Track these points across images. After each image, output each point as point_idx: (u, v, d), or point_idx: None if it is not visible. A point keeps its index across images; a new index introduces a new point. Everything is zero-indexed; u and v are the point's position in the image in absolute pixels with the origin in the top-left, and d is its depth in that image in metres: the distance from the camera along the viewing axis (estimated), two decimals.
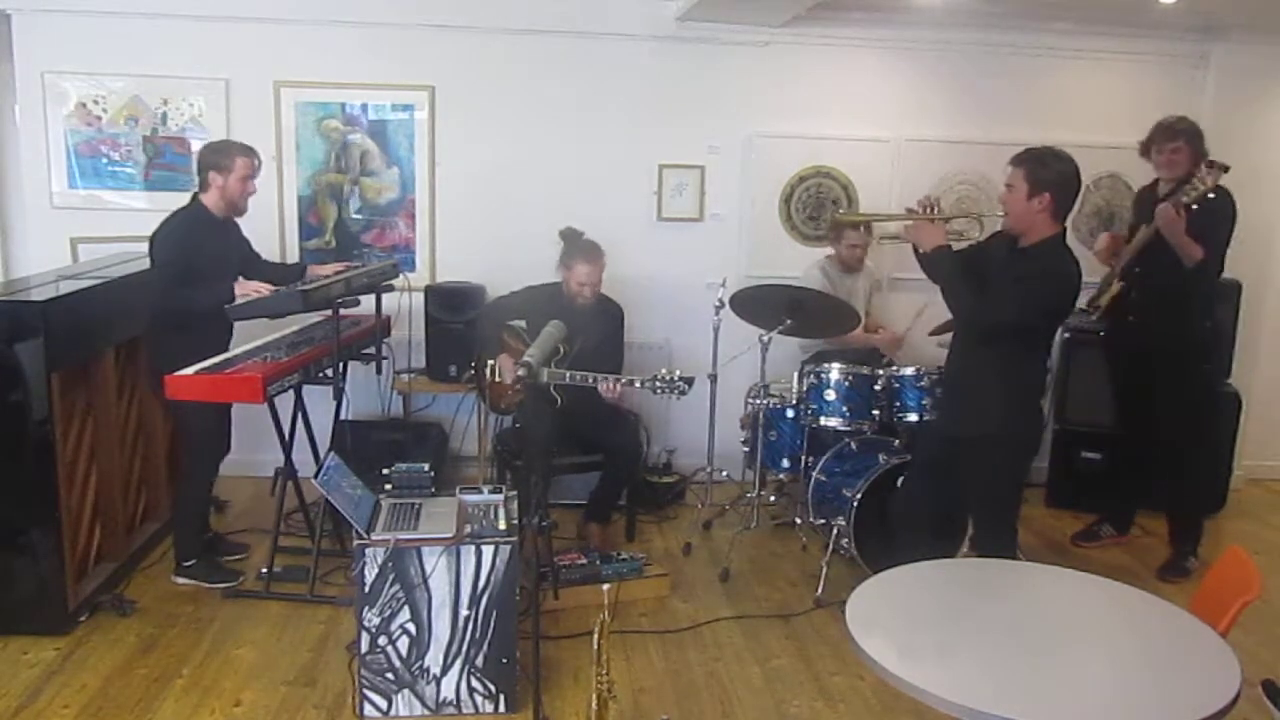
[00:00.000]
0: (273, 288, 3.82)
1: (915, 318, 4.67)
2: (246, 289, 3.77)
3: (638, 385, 3.94)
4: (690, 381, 3.85)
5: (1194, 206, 3.93)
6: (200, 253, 3.79)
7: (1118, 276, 4.27)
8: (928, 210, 3.33)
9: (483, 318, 4.62)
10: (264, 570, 4.00)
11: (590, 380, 3.95)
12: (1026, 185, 3.11)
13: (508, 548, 3.09)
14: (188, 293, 3.73)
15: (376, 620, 3.09)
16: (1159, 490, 4.52)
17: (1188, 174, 4.05)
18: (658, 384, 3.86)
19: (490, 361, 4.43)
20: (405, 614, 3.09)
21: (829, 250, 4.97)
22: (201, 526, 4.13)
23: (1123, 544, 4.65)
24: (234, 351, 3.81)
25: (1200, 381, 4.41)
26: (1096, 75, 5.40)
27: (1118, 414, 4.63)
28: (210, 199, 3.89)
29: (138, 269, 4.16)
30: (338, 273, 4.09)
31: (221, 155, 3.88)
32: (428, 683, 3.14)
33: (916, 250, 3.31)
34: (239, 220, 4.05)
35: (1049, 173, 3.10)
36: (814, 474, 4.37)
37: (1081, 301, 4.48)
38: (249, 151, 3.93)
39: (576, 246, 4.37)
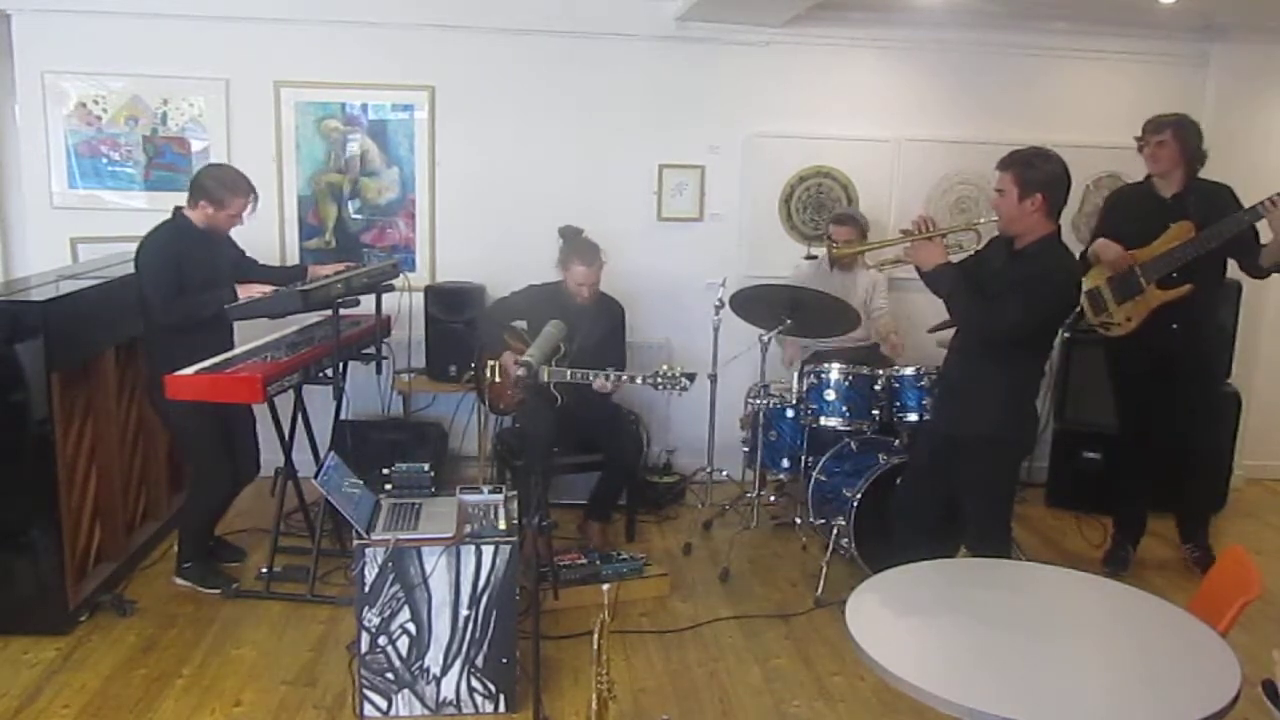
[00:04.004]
0: (273, 288, 3.81)
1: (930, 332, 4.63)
2: (249, 291, 3.76)
3: (638, 381, 3.93)
4: (692, 377, 3.85)
5: None
6: (188, 265, 3.73)
7: (1153, 283, 4.03)
8: (923, 229, 3.33)
9: (483, 318, 4.62)
10: (264, 570, 4.00)
11: (589, 377, 3.95)
12: (1017, 188, 3.13)
13: (508, 548, 3.09)
14: (184, 307, 3.69)
15: (376, 620, 3.09)
16: (1172, 493, 4.44)
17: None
18: (659, 380, 3.85)
19: (492, 362, 4.43)
20: (405, 614, 3.09)
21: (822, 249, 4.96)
22: (205, 534, 4.10)
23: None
24: (234, 351, 3.80)
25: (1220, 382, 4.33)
26: (1096, 75, 5.40)
27: (1132, 423, 4.37)
28: (195, 216, 3.82)
29: None
30: (338, 272, 4.08)
31: (223, 191, 3.78)
32: (428, 683, 3.14)
33: (919, 269, 3.31)
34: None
35: (1038, 174, 3.11)
36: (814, 474, 4.37)
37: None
38: (249, 193, 3.84)
39: (574, 247, 4.37)
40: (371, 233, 5.20)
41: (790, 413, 4.46)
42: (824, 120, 5.28)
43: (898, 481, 3.87)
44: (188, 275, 3.74)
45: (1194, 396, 4.21)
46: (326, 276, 3.98)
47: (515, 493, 3.44)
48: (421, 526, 3.16)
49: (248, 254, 4.16)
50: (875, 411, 4.21)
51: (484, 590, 3.09)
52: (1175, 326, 4.06)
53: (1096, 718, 2.07)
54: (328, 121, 5.07)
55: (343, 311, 3.86)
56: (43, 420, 3.48)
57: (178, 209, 3.86)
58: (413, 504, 3.32)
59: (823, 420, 4.25)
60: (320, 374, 3.91)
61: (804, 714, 3.25)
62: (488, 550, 3.08)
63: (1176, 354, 4.12)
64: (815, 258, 4.89)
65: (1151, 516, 4.65)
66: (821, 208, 5.33)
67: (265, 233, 4.88)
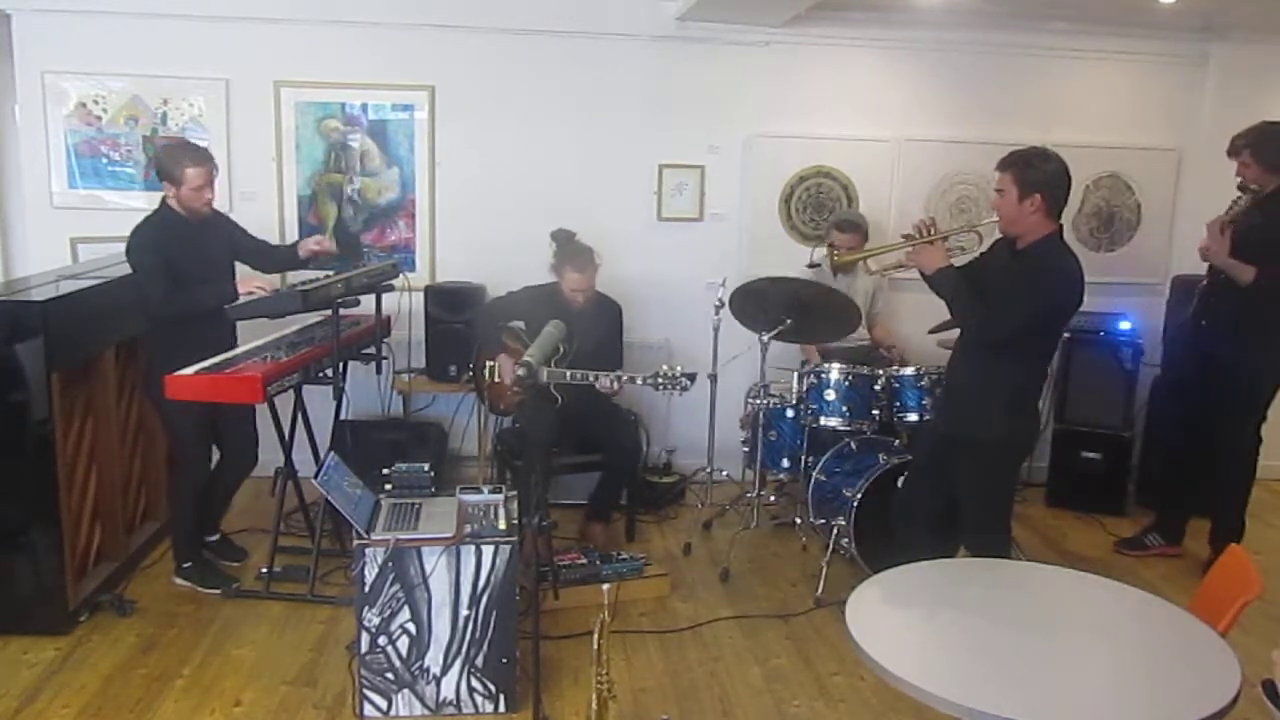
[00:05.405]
0: (274, 286, 3.81)
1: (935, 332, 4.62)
2: (249, 286, 3.76)
3: (639, 382, 3.93)
4: (692, 377, 3.84)
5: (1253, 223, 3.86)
6: (177, 255, 3.70)
7: (1206, 275, 4.19)
8: (925, 233, 3.34)
9: (480, 318, 4.62)
10: (264, 570, 4.00)
11: (590, 378, 3.94)
12: (1016, 188, 3.13)
13: (508, 548, 3.09)
14: (183, 300, 3.68)
15: (376, 620, 3.09)
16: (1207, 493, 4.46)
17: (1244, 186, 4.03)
18: (659, 380, 3.85)
19: (490, 363, 4.43)
20: (405, 614, 3.09)
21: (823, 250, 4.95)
22: (195, 531, 4.08)
23: (1171, 555, 4.48)
24: (234, 351, 3.80)
25: (1267, 397, 4.24)
26: (1096, 75, 5.40)
27: (1166, 412, 4.66)
28: (172, 202, 3.76)
29: None
30: (322, 246, 4.14)
31: (172, 165, 3.67)
32: (428, 683, 3.14)
33: (921, 273, 3.31)
34: (228, 214, 3.99)
35: (1036, 174, 3.12)
36: (814, 474, 4.37)
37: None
38: (201, 160, 3.71)
39: (566, 253, 4.36)
40: (371, 233, 5.20)
41: (790, 413, 4.46)
42: (824, 120, 5.28)
43: (898, 481, 3.87)
44: (178, 265, 3.70)
45: (1222, 396, 4.20)
46: (316, 244, 4.06)
47: (515, 493, 3.44)
48: (421, 526, 3.16)
49: (240, 226, 4.11)
50: (875, 411, 4.20)
51: (484, 590, 3.09)
52: (1204, 323, 4.18)
53: (1096, 717, 2.07)
54: (328, 121, 5.07)
55: (342, 311, 3.86)
56: (43, 420, 3.48)
57: (164, 199, 3.81)
58: (413, 504, 3.32)
59: (823, 420, 4.25)
60: (320, 374, 3.92)
61: (804, 714, 3.25)
62: (488, 550, 3.08)
63: (1210, 353, 4.18)
64: (818, 265, 4.88)
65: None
66: (821, 208, 5.33)
67: (266, 233, 4.85)
